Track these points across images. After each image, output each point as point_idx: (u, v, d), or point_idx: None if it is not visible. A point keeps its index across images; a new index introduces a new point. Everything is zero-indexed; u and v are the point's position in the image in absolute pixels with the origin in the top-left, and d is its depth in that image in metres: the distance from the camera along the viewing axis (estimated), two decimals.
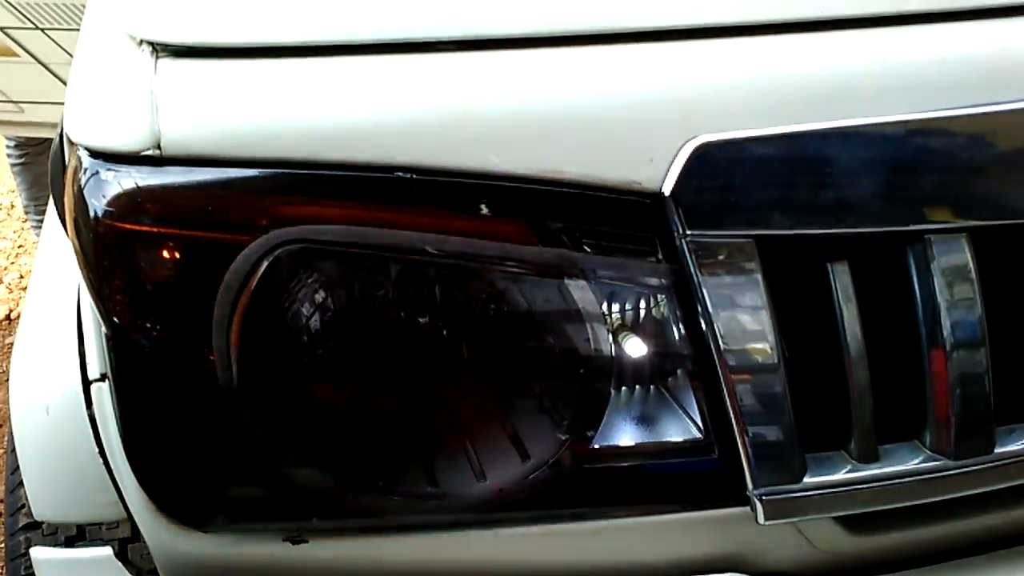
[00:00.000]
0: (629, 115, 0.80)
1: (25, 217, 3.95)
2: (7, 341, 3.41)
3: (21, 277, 3.89)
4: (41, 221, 3.54)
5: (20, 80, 2.57)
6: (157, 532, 0.94)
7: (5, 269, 3.98)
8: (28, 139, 3.32)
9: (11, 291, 3.79)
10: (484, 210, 0.81)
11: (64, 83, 2.46)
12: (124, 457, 0.90)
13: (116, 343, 0.85)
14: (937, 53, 0.83)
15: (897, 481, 0.88)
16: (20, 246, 4.17)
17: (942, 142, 0.83)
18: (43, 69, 2.50)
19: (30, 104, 2.66)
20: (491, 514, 0.91)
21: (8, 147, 3.46)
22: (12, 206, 4.46)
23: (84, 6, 1.09)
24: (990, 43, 0.84)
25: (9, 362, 3.10)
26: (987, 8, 0.84)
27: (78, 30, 1.04)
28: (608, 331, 0.86)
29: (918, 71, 0.83)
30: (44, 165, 3.32)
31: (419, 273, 0.84)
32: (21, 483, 1.15)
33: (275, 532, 0.91)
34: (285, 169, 0.80)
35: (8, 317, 3.58)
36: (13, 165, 3.49)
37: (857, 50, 0.82)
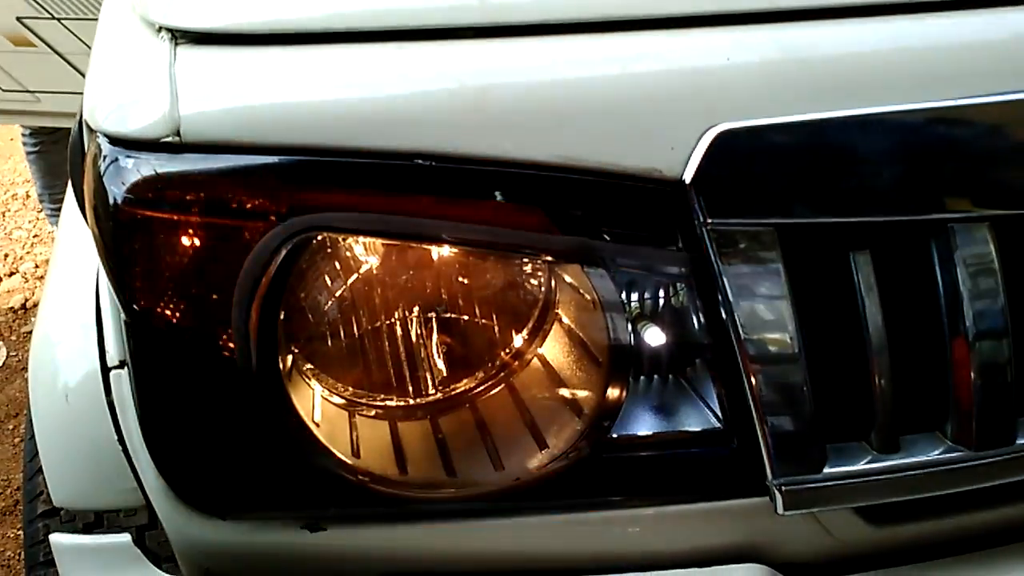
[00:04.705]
0: (650, 103, 0.80)
1: (40, 207, 3.97)
2: (23, 329, 3.42)
3: (36, 267, 3.91)
4: (55, 209, 3.55)
5: (37, 70, 2.58)
6: (175, 519, 0.94)
7: (21, 259, 4.00)
8: (44, 127, 3.33)
9: (27, 280, 3.81)
10: (503, 198, 0.81)
11: (81, 73, 2.47)
12: (143, 444, 0.90)
13: (135, 330, 0.86)
14: (960, 40, 0.82)
15: (918, 472, 0.87)
16: (36, 235, 4.19)
17: (965, 130, 0.82)
18: (60, 59, 2.51)
19: (47, 94, 2.67)
20: (508, 503, 0.91)
21: (24, 135, 3.47)
22: (28, 196, 4.48)
23: None
24: (1013, 30, 0.83)
25: (26, 350, 3.12)
26: None
27: (94, 20, 1.04)
28: (627, 320, 0.86)
29: (941, 58, 0.82)
30: (59, 153, 3.34)
31: (438, 260, 0.83)
32: (40, 470, 1.16)
33: (293, 519, 0.92)
34: (304, 156, 0.79)
35: (24, 306, 3.60)
36: (29, 153, 3.50)
37: (880, 38, 0.82)
